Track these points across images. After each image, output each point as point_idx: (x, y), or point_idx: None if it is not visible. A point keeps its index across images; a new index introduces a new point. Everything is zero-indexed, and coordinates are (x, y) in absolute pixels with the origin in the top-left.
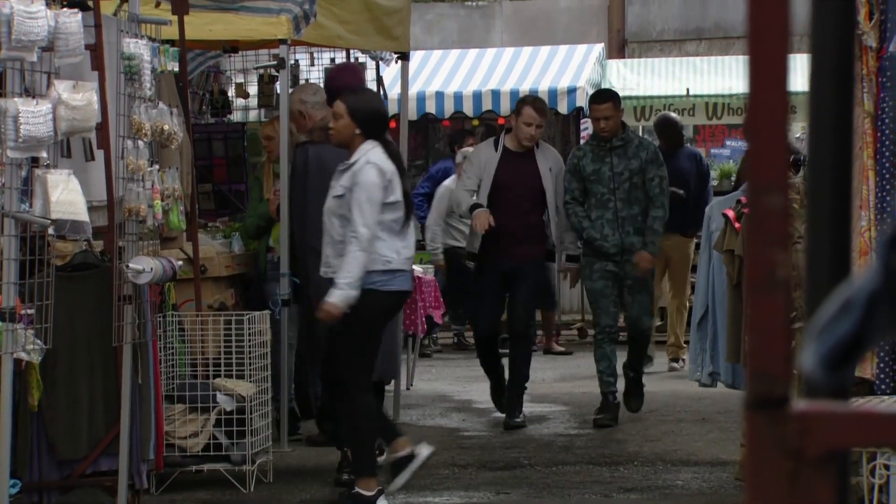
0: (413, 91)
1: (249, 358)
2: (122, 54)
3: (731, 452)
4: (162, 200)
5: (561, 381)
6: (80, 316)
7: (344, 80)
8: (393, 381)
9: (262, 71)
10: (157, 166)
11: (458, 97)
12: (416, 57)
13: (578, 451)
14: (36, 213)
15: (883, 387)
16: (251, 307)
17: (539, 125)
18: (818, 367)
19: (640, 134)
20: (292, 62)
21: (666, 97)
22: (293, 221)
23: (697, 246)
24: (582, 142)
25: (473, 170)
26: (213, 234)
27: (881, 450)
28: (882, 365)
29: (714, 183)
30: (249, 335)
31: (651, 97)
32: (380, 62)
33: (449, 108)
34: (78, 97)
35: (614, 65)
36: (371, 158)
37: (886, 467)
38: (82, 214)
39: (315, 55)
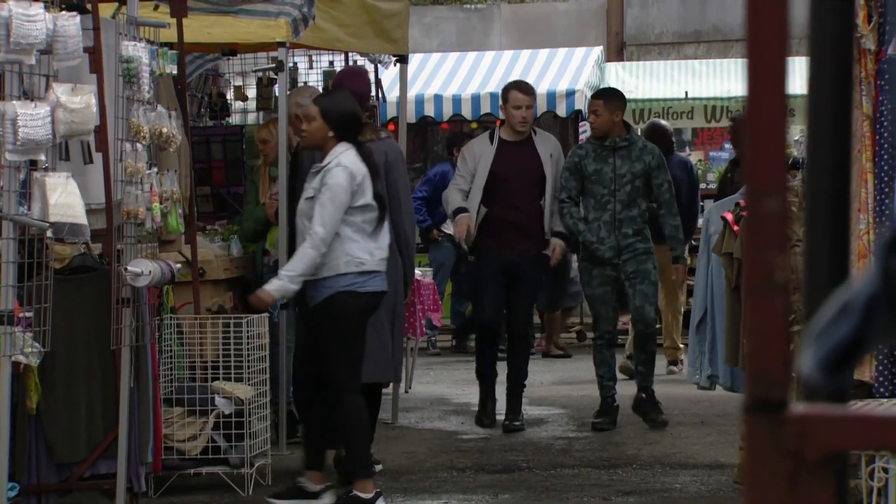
0: (411, 94)
1: (248, 361)
2: (121, 57)
3: (730, 455)
4: (160, 203)
5: (559, 384)
6: (78, 319)
7: (350, 85)
8: (391, 385)
9: (260, 74)
10: (155, 169)
11: (456, 100)
12: (414, 60)
13: (577, 454)
14: (34, 215)
15: (882, 389)
16: (250, 310)
17: (529, 105)
18: (817, 370)
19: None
20: (291, 65)
21: (664, 100)
22: (293, 224)
23: (692, 250)
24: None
25: (466, 167)
26: (211, 237)
27: (880, 453)
28: (881, 368)
29: (712, 186)
30: (248, 338)
31: (649, 100)
32: (378, 65)
33: (447, 111)
34: (76, 100)
35: (613, 68)
36: (343, 161)
37: (885, 470)
38: (81, 217)
39: (314, 58)
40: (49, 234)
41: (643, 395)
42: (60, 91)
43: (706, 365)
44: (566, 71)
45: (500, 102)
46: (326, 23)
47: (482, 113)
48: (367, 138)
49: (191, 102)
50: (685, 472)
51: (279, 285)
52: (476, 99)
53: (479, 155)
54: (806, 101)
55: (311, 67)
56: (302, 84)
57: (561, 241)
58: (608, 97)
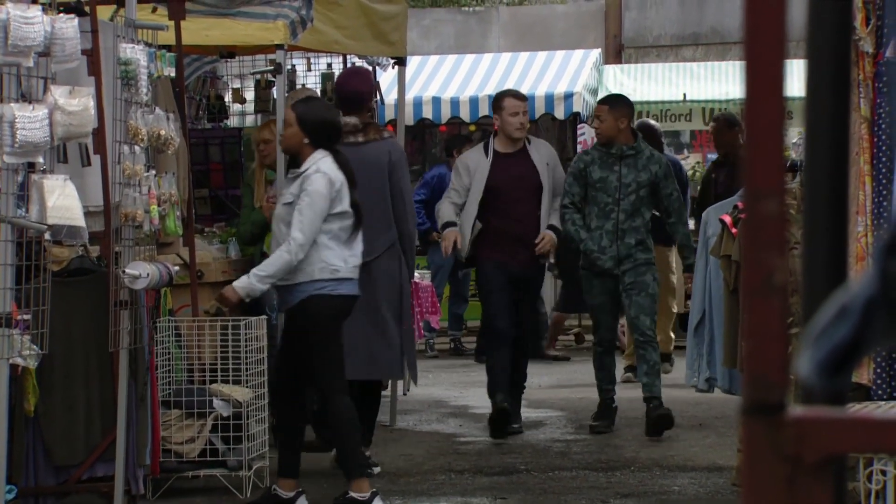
0: (410, 96)
1: (246, 363)
2: (119, 59)
3: (728, 458)
4: (158, 205)
5: (558, 386)
6: (76, 321)
7: (353, 85)
8: (390, 386)
9: (258, 76)
10: (153, 171)
11: (454, 102)
12: (412, 62)
13: (575, 456)
14: (32, 218)
15: (880, 392)
16: (247, 312)
17: (525, 111)
18: (815, 372)
19: None
20: (289, 67)
21: (662, 102)
22: None
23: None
24: (579, 147)
25: (461, 181)
26: (209, 239)
27: (878, 455)
28: (879, 370)
29: None
30: (246, 340)
31: (648, 102)
32: (376, 67)
33: (445, 114)
34: (74, 102)
35: (611, 70)
36: (321, 167)
37: (883, 473)
38: (79, 219)
39: (312, 60)
40: (47, 236)
41: (650, 405)
42: (58, 93)
43: (704, 367)
44: (564, 73)
45: (493, 112)
46: (324, 25)
47: (480, 115)
48: (370, 138)
49: (189, 105)
50: (683, 475)
51: (246, 283)
52: (474, 101)
53: (473, 168)
54: (804, 104)
55: (309, 70)
56: (300, 86)
57: (552, 233)
58: (613, 103)
